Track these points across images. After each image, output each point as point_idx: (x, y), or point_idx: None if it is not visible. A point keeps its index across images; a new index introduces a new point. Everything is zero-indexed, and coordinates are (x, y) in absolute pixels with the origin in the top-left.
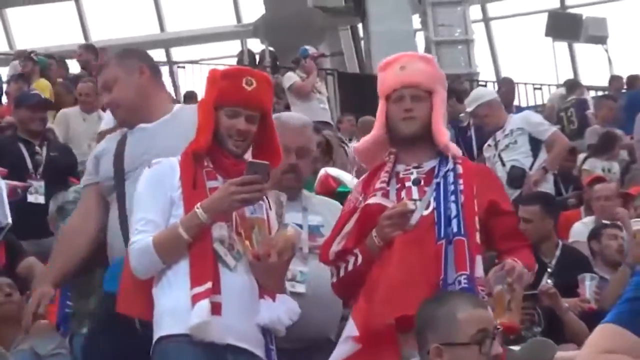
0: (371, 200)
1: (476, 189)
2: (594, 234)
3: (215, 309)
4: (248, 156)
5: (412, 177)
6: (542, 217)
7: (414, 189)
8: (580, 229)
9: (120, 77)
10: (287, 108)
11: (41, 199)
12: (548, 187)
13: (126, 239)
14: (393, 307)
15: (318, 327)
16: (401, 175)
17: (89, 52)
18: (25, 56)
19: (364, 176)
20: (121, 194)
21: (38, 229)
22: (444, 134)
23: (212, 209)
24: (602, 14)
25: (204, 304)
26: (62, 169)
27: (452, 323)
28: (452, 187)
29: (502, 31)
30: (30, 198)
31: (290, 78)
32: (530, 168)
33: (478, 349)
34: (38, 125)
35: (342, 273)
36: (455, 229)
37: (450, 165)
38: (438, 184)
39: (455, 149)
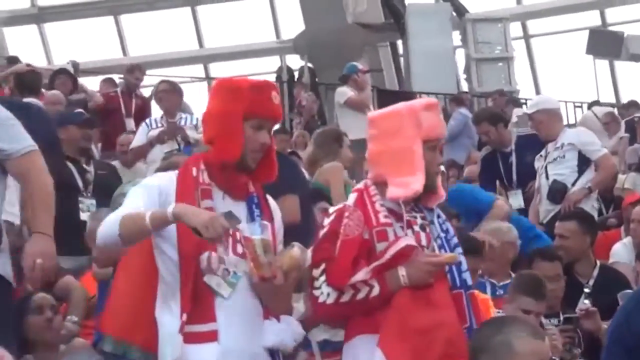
0: (407, 242)
1: None
2: None
3: (210, 336)
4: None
5: (419, 222)
6: (579, 234)
7: (422, 235)
8: (620, 250)
9: None
10: (306, 127)
11: None
12: (590, 204)
13: None
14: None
15: None
16: (408, 217)
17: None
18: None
19: (352, 206)
20: None
21: (77, 246)
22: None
23: (181, 217)
24: None
25: (178, 339)
26: (110, 187)
27: (509, 353)
28: (454, 240)
29: (543, 48)
30: (83, 216)
31: (345, 93)
32: (574, 184)
33: None
34: (86, 143)
35: (346, 298)
36: (469, 282)
37: (441, 213)
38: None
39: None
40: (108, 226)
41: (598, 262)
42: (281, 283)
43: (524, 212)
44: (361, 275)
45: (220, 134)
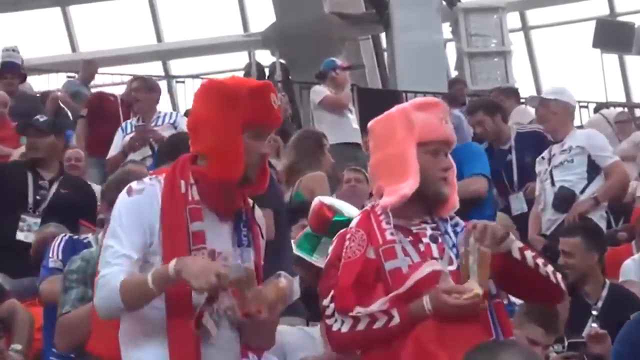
0: (428, 269)
1: None
2: None
3: None
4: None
5: (428, 232)
6: (584, 250)
7: (434, 247)
8: (631, 267)
9: None
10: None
11: (32, 238)
12: (598, 214)
13: None
14: None
15: None
16: (415, 230)
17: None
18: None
19: (354, 228)
20: None
21: (19, 267)
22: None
23: (184, 273)
24: None
25: None
26: (72, 209)
27: None
28: None
29: (544, 41)
30: (20, 236)
31: (321, 92)
32: (582, 192)
33: None
34: (35, 153)
35: (362, 327)
36: (493, 291)
37: (460, 221)
38: (452, 240)
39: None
40: (107, 299)
41: (607, 281)
42: (266, 318)
43: (525, 216)
44: (377, 306)
45: (218, 149)
